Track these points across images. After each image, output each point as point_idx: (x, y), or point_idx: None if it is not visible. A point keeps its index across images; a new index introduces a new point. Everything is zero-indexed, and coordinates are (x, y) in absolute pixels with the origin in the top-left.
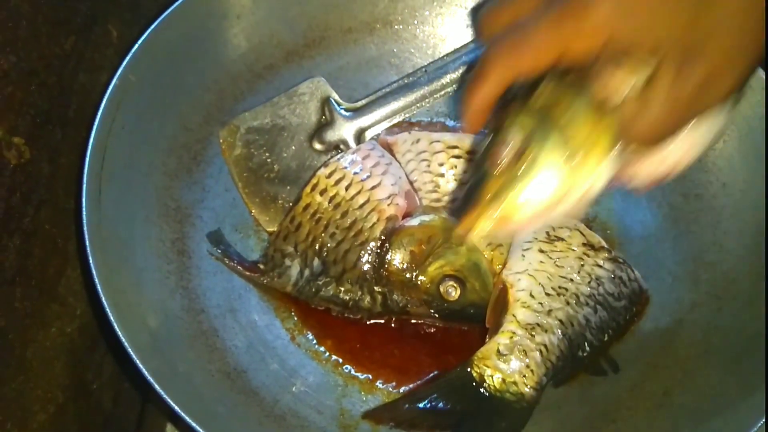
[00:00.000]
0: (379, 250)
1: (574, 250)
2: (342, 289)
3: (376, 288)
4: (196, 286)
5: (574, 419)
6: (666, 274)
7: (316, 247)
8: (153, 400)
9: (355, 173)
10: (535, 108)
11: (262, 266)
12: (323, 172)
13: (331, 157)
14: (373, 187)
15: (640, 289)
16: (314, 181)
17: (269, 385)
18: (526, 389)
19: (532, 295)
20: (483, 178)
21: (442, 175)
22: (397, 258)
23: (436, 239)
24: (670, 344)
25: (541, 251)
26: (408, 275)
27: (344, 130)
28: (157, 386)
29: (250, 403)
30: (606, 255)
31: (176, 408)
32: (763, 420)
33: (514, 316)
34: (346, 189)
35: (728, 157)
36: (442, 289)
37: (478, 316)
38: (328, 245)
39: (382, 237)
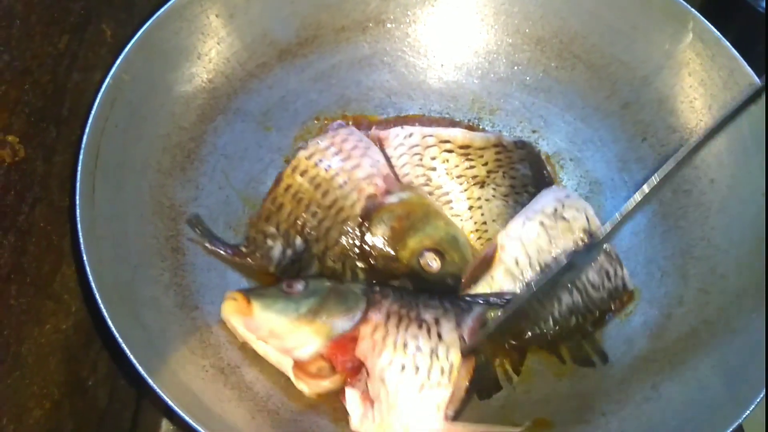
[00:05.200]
0: (360, 227)
1: (573, 232)
2: (325, 266)
3: (358, 264)
4: (190, 283)
5: (564, 412)
6: (655, 269)
7: (298, 226)
8: (148, 397)
9: (335, 154)
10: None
11: (244, 249)
12: (303, 153)
13: (311, 139)
14: (353, 168)
15: (623, 287)
16: (295, 163)
17: (262, 379)
18: None
19: (516, 263)
20: None
21: (434, 169)
22: (378, 233)
23: (415, 215)
24: (659, 338)
25: (542, 224)
26: (389, 249)
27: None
28: (151, 381)
29: (244, 398)
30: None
31: (170, 403)
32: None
33: (492, 277)
34: (327, 170)
35: (716, 153)
36: (422, 262)
37: (457, 287)
38: (310, 223)
39: (363, 214)
